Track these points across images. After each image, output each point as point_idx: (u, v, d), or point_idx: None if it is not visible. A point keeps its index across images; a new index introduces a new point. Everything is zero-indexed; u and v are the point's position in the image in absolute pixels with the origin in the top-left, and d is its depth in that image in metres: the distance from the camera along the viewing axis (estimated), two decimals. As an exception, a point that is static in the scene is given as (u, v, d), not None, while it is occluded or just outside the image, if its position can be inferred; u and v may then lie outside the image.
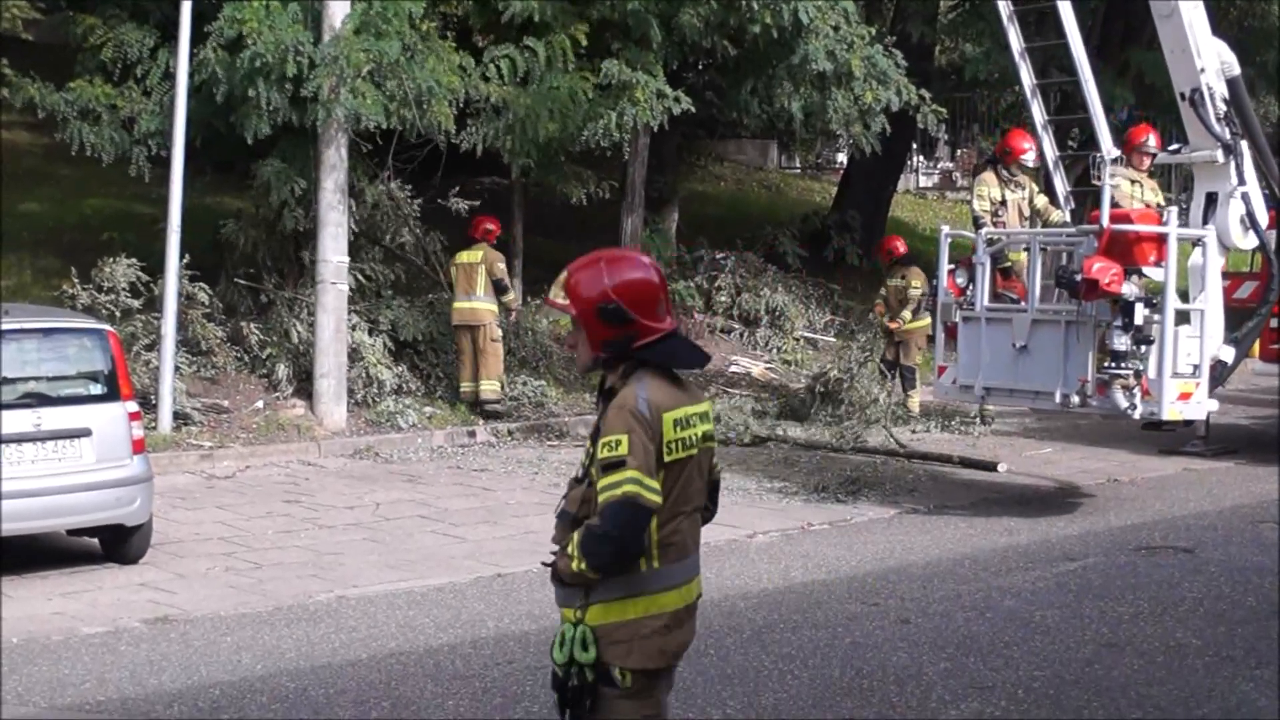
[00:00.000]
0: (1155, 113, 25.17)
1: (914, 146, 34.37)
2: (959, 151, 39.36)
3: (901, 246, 21.76)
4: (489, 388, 19.39)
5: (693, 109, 20.37)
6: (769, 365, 23.39)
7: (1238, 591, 11.46)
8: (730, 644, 9.91)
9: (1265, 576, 11.82)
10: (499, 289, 19.51)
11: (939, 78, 28.39)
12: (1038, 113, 17.46)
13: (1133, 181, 15.87)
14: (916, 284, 20.89)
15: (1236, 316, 16.20)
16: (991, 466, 16.97)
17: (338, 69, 17.51)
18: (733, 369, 23.01)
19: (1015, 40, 17.33)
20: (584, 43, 19.61)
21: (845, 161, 32.54)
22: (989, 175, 17.07)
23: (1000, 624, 10.46)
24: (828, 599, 11.29)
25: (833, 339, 24.49)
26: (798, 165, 37.64)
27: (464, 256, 19.69)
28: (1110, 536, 13.68)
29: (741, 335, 24.38)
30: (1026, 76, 17.39)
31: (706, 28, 20.57)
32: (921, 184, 38.72)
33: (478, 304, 19.45)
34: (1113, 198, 15.10)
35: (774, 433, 19.46)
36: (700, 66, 24.05)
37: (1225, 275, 15.99)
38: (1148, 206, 15.65)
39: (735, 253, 25.50)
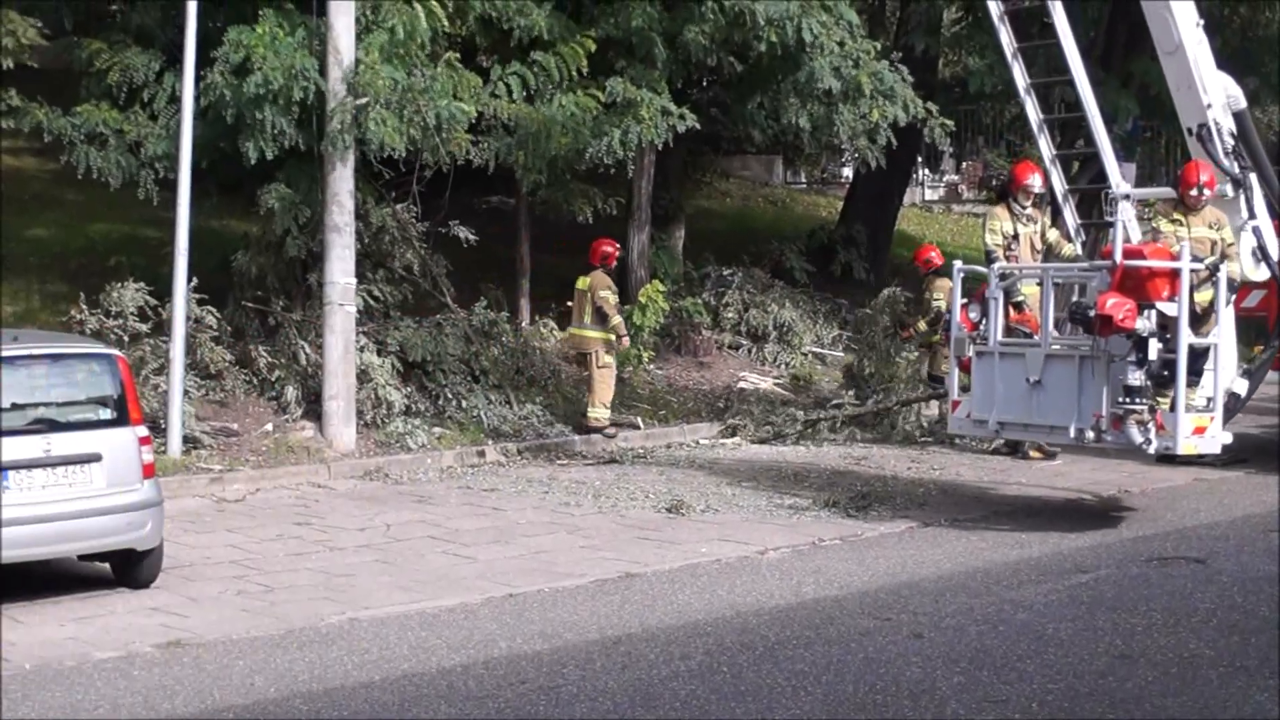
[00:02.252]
0: (1160, 123, 25.19)
1: (919, 160, 34.37)
2: (964, 164, 39.36)
3: (936, 259, 22.14)
4: (593, 413, 19.86)
5: (698, 126, 20.39)
6: (778, 381, 23.37)
7: (1250, 601, 11.43)
8: (743, 661, 9.91)
9: (1277, 586, 11.80)
10: (601, 315, 19.83)
11: (943, 90, 28.38)
12: (1045, 147, 17.55)
13: (1173, 221, 15.84)
14: (938, 296, 20.98)
15: (1244, 325, 16.26)
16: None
17: (361, 100, 17.59)
18: (741, 385, 22.99)
19: (1020, 77, 17.45)
20: (591, 48, 19.59)
21: (850, 176, 32.53)
22: (1001, 210, 17.15)
23: (1013, 637, 10.44)
24: (840, 614, 11.28)
25: (841, 354, 24.47)
26: (803, 180, 37.65)
27: (579, 283, 20.24)
28: (1122, 548, 13.66)
29: (750, 351, 24.37)
30: (1033, 112, 17.50)
31: (711, 45, 20.58)
32: (927, 197, 38.72)
33: (586, 330, 20.00)
34: (1157, 238, 15.18)
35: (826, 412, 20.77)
36: (705, 83, 24.07)
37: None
38: (1199, 243, 15.59)
39: (742, 269, 25.49)
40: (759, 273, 25.69)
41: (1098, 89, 17.67)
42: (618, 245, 20.56)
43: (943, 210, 38.11)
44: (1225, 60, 22.08)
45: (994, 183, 36.60)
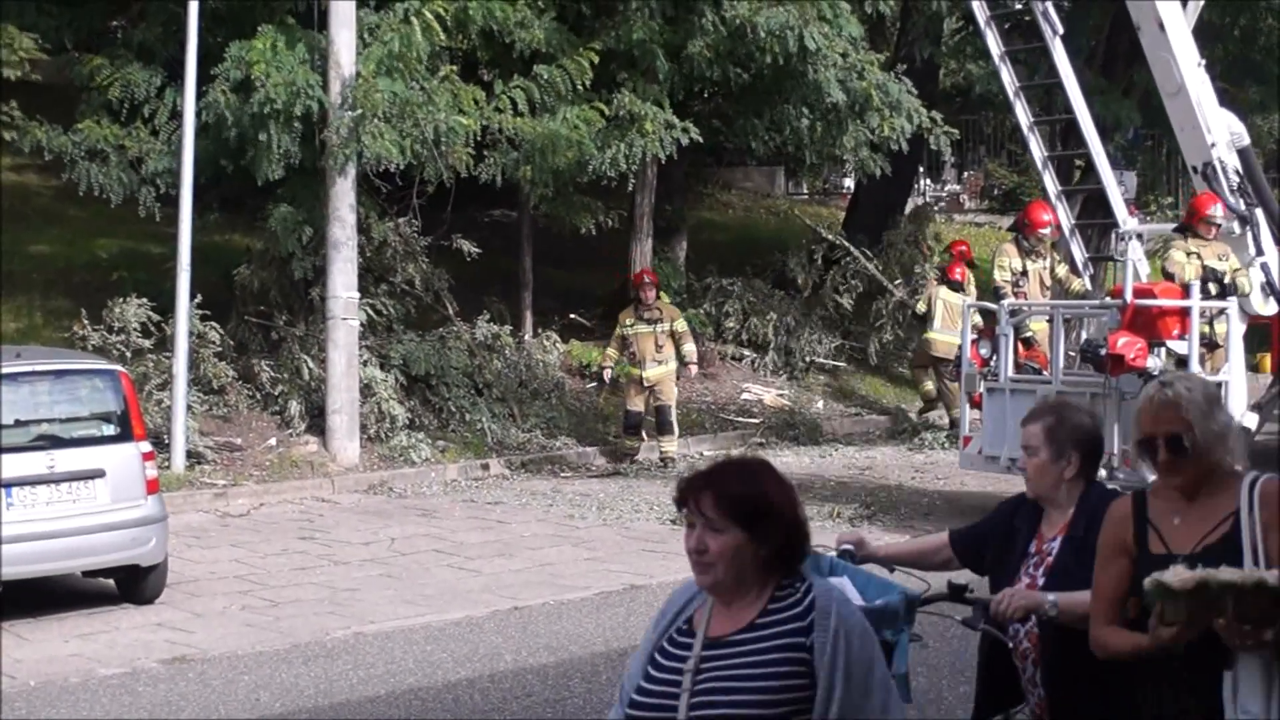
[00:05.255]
0: (1161, 132, 25.17)
1: (921, 170, 34.36)
2: (966, 174, 39.34)
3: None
4: None
5: (700, 139, 20.37)
6: (780, 393, 23.35)
7: (1257, 609, 11.40)
8: (749, 672, 9.88)
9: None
10: None
11: (944, 100, 28.35)
12: (1050, 184, 17.64)
13: (1189, 254, 15.87)
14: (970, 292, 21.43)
15: (1249, 331, 16.29)
16: None
17: (355, 112, 17.61)
18: (744, 396, 22.97)
19: (1023, 115, 17.51)
20: (594, 60, 19.60)
21: (852, 186, 32.49)
22: (1010, 246, 17.34)
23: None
24: (846, 625, 11.25)
25: (844, 364, 24.45)
26: (805, 191, 37.60)
27: None
28: (1127, 556, 13.62)
29: (753, 363, 24.32)
30: (1037, 149, 17.59)
31: (716, 57, 20.55)
32: (929, 207, 38.66)
33: None
34: (1168, 270, 15.26)
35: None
36: (707, 95, 24.06)
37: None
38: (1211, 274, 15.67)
39: (744, 280, 25.42)
40: (761, 284, 25.62)
41: (1098, 98, 17.65)
42: (643, 273, 20.51)
43: (944, 220, 38.05)
44: (1227, 69, 22.03)
45: (995, 192, 36.58)
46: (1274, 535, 4.72)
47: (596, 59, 19.64)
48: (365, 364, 18.95)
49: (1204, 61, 16.54)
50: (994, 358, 15.36)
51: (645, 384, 19.63)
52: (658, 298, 20.00)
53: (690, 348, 20.00)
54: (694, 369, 20.34)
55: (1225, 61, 24.46)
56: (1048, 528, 5.63)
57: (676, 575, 13.05)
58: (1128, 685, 4.92)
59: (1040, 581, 5.53)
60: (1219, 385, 14.66)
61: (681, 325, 19.86)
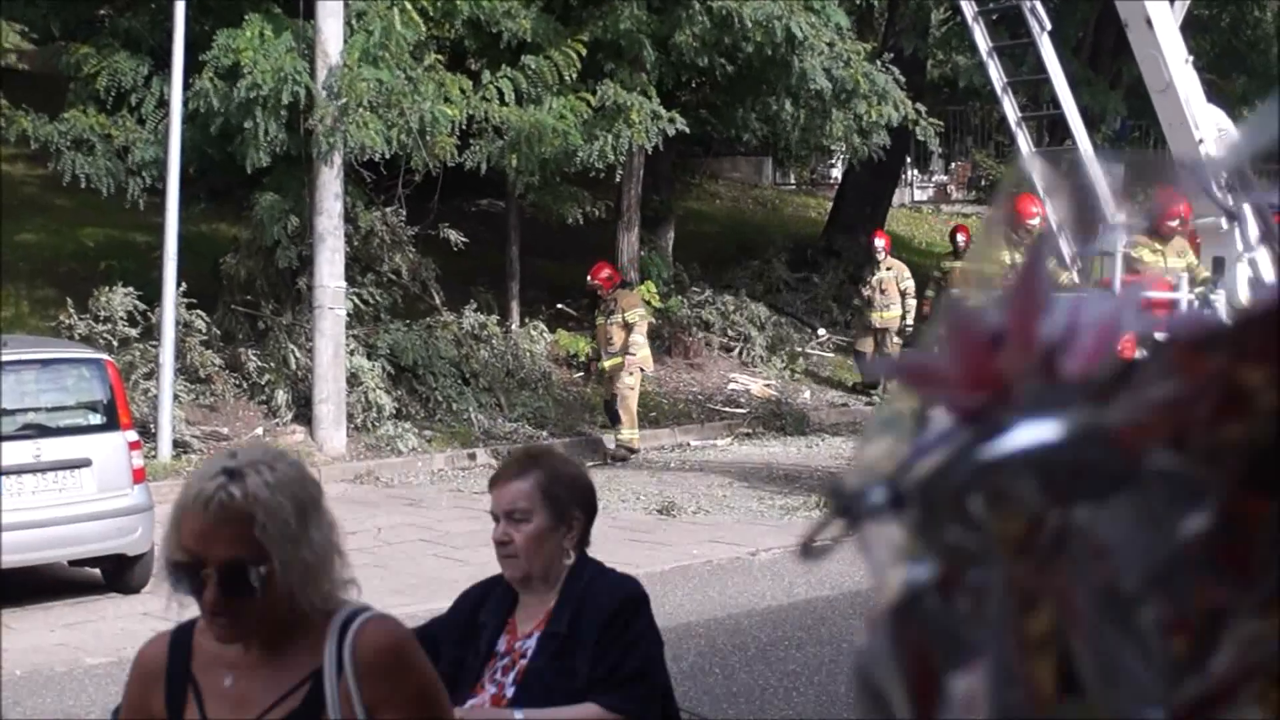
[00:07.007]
0: (1148, 123, 25.23)
1: (908, 160, 34.38)
2: (953, 165, 39.37)
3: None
4: None
5: (687, 129, 20.38)
6: (768, 383, 23.37)
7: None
8: (735, 662, 9.91)
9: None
10: None
11: (931, 91, 28.39)
12: (1039, 179, 17.67)
13: (1154, 251, 15.95)
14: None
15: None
16: None
17: (340, 100, 17.60)
18: (731, 386, 22.99)
19: (1011, 110, 17.58)
20: (582, 52, 19.59)
21: (840, 177, 32.52)
22: (998, 239, 17.30)
23: (1005, 637, 10.44)
24: (832, 615, 11.28)
25: (830, 355, 24.48)
26: (792, 181, 37.60)
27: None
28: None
29: (740, 353, 24.33)
30: (1025, 145, 17.63)
31: (703, 46, 20.56)
32: (916, 198, 38.68)
33: None
34: (1133, 267, 15.34)
35: None
36: (694, 85, 24.08)
37: None
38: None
39: (732, 269, 25.47)
40: (749, 274, 25.67)
41: (1085, 89, 17.71)
42: (599, 267, 20.46)
43: (932, 210, 38.09)
44: (1213, 61, 22.07)
45: (983, 183, 36.63)
46: (390, 716, 3.17)
47: (584, 49, 19.65)
48: (352, 353, 18.94)
49: (1191, 58, 16.62)
50: None
51: (603, 374, 19.73)
52: (616, 289, 19.91)
53: (634, 339, 19.46)
54: (629, 360, 19.37)
55: (1212, 54, 24.51)
56: (524, 619, 4.42)
57: (663, 565, 13.09)
58: None
59: (509, 692, 4.29)
60: None
61: (633, 318, 19.55)
